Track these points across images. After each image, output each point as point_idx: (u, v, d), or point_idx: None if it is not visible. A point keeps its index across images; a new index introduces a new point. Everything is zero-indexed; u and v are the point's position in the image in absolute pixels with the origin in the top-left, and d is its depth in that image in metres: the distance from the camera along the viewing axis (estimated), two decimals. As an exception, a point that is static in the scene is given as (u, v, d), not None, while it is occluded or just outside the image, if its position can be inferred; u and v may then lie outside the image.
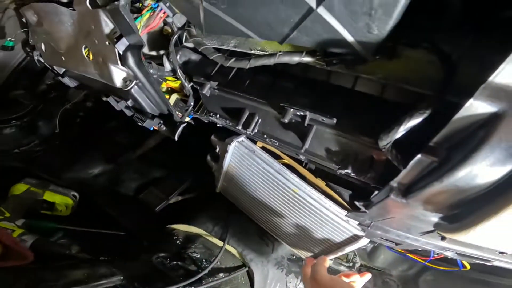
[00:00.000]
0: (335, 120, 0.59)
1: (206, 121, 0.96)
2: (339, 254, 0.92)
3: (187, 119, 1.03)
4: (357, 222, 0.68)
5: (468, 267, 1.01)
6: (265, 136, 0.73)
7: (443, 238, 0.56)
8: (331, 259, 1.34)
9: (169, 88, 0.93)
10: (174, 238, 1.14)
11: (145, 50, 0.81)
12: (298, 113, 0.63)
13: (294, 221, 0.91)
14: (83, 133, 1.63)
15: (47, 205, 1.34)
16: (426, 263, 1.13)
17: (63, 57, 0.81)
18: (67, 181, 1.46)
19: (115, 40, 0.64)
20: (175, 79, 0.88)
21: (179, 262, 1.03)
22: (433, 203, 0.46)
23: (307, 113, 0.61)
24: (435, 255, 1.06)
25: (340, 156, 0.63)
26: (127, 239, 1.31)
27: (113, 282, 0.80)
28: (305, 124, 0.63)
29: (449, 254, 0.95)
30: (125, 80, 0.71)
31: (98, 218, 1.39)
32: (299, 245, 1.02)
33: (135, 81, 0.71)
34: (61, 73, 1.01)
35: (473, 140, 0.39)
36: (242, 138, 0.89)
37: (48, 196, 1.33)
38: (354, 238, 0.80)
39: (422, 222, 0.54)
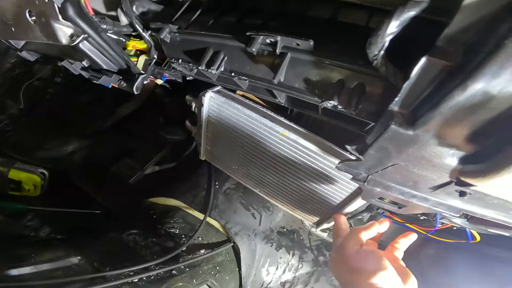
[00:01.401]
0: (312, 42, 0.46)
1: (178, 79, 0.86)
2: (346, 211, 0.77)
3: (160, 81, 0.96)
4: (351, 177, 0.55)
5: (479, 238, 0.90)
6: (233, 74, 0.62)
7: (462, 194, 0.44)
8: (324, 231, 1.25)
9: (138, 51, 0.84)
10: (150, 212, 1.03)
11: (102, 9, 0.75)
12: (268, 41, 0.50)
13: (290, 173, 0.78)
14: (54, 109, 1.53)
15: (14, 185, 1.24)
16: (429, 235, 1.02)
17: (13, 28, 0.76)
18: (40, 160, 1.35)
19: (51, -7, 0.57)
20: (140, 39, 0.79)
21: (154, 239, 0.92)
22: (451, 132, 0.33)
23: (278, 38, 0.49)
24: (440, 225, 0.95)
25: (322, 86, 0.50)
26: (103, 218, 1.21)
27: (67, 263, 0.69)
28: (278, 53, 0.51)
29: (459, 222, 0.83)
30: (71, 36, 0.67)
31: (74, 197, 1.30)
32: (300, 208, 0.88)
33: (82, 36, 0.66)
34: (19, 47, 0.95)
35: (499, 31, 0.26)
36: (218, 88, 0.78)
37: (13, 175, 1.22)
38: (358, 192, 0.68)
39: (434, 169, 0.41)
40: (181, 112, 1.04)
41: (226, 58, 0.61)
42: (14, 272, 0.67)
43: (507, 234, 0.78)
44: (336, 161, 0.63)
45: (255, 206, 1.09)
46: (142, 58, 0.83)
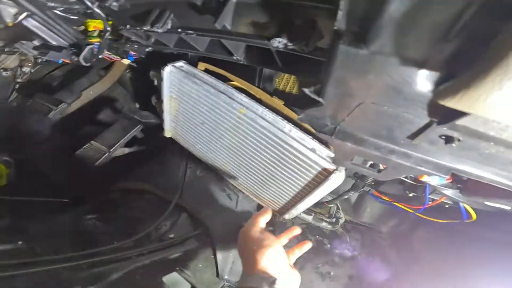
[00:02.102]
0: None
1: (141, 55, 0.88)
2: (312, 201, 0.73)
3: (127, 61, 0.95)
4: (315, 131, 0.47)
5: (475, 217, 0.81)
6: (180, 30, 0.59)
7: (448, 140, 0.36)
8: (309, 214, 1.17)
9: (101, 33, 0.80)
10: (117, 196, 0.95)
11: None
12: None
13: (250, 158, 0.74)
14: (22, 98, 1.47)
15: (-22, 174, 1.16)
16: (419, 214, 0.95)
17: None
18: (6, 149, 1.27)
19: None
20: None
21: (116, 224, 0.84)
22: (413, 39, 0.25)
23: None
24: (430, 202, 0.86)
25: (270, 28, 0.45)
26: (72, 206, 1.13)
27: (6, 246, 0.62)
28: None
29: (450, 194, 0.75)
30: (15, 14, 0.68)
31: (43, 186, 1.22)
32: (263, 195, 0.84)
33: (25, 14, 0.67)
34: None
35: None
36: (180, 63, 0.74)
37: (-23, 163, 1.13)
38: (324, 175, 0.61)
39: (407, 104, 0.33)
40: (152, 94, 0.97)
41: (172, 15, 0.58)
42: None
43: (508, 208, 0.69)
44: (294, 142, 0.59)
45: (231, 186, 1.01)
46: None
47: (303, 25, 0.41)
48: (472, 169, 0.43)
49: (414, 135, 0.40)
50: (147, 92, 1.34)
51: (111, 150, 1.00)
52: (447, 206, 0.90)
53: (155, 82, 0.86)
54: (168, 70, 0.74)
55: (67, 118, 1.20)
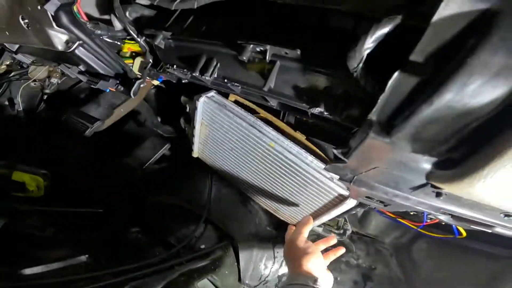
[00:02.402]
0: (299, 52, 0.50)
1: (173, 81, 0.90)
2: (327, 218, 0.86)
3: (156, 82, 0.99)
4: (338, 177, 0.59)
5: (464, 234, 0.94)
6: (226, 80, 0.65)
7: (438, 195, 0.47)
8: (320, 226, 1.28)
9: (133, 53, 0.87)
10: (151, 210, 1.06)
11: (95, 13, 0.76)
12: (258, 49, 0.54)
13: (275, 182, 0.84)
14: (51, 110, 1.54)
15: (18, 186, 1.27)
16: (419, 229, 1.06)
17: (6, 32, 0.78)
18: (40, 161, 1.37)
19: (44, 1, 0.59)
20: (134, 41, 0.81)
21: (155, 236, 0.96)
22: (423, 139, 0.37)
23: (268, 47, 0.52)
24: (428, 220, 0.99)
25: (310, 93, 0.54)
26: (105, 216, 1.25)
27: (76, 261, 0.73)
28: (267, 61, 0.55)
29: (444, 219, 0.87)
30: (67, 42, 0.69)
31: (77, 197, 1.33)
32: (283, 211, 0.96)
33: (77, 42, 0.69)
34: (14, 50, 0.98)
35: (465, 47, 0.29)
36: (211, 93, 0.82)
37: (17, 176, 1.24)
38: (340, 199, 0.73)
39: (412, 172, 0.45)
40: (177, 110, 1.06)
41: (218, 64, 0.64)
42: (28, 271, 0.71)
43: (489, 231, 0.82)
44: (316, 173, 0.69)
45: (252, 202, 1.13)
46: (138, 60, 0.86)
47: (340, 95, 0.49)
48: (456, 209, 0.55)
49: (414, 189, 0.52)
50: (170, 108, 1.43)
51: (143, 167, 1.11)
52: (443, 223, 1.02)
53: (187, 109, 0.92)
54: (201, 101, 0.81)
55: (98, 132, 1.30)
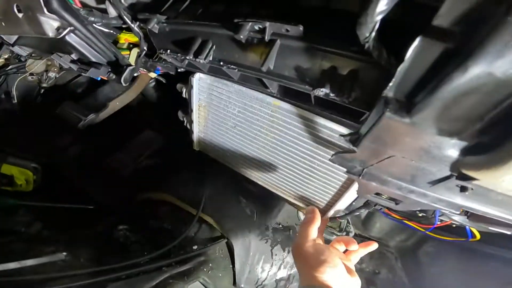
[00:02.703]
0: (301, 28, 0.44)
1: (171, 72, 0.85)
2: (350, 197, 0.74)
3: (154, 75, 0.95)
4: (345, 170, 0.52)
5: (478, 236, 0.87)
6: (221, 63, 0.60)
7: (463, 189, 0.41)
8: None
9: (130, 45, 0.83)
10: (142, 207, 1.00)
11: (91, 2, 0.72)
12: (256, 27, 0.48)
13: (288, 153, 0.75)
14: (47, 104, 1.52)
15: (7, 180, 1.22)
16: (428, 232, 1.00)
17: (2, 23, 0.75)
18: (33, 155, 1.33)
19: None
20: (131, 32, 0.76)
21: (145, 234, 0.90)
22: (452, 117, 0.30)
23: (267, 24, 0.47)
24: (439, 222, 0.92)
25: (313, 74, 0.48)
26: (96, 213, 1.19)
27: (53, 258, 0.67)
28: (267, 40, 0.49)
29: (458, 219, 0.81)
30: (58, 29, 0.67)
31: (67, 192, 1.28)
32: (304, 191, 0.83)
33: (68, 28, 0.66)
34: (11, 42, 0.94)
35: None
36: None
37: (5, 169, 1.20)
38: None
39: (434, 161, 0.38)
40: (176, 106, 1.02)
41: (214, 47, 0.59)
42: (-1, 268, 0.65)
43: (509, 233, 0.75)
44: (334, 126, 0.60)
45: (250, 200, 1.07)
46: (135, 51, 0.82)
47: (346, 75, 0.44)
48: (480, 207, 0.48)
49: (434, 183, 0.45)
50: (168, 102, 1.39)
51: (137, 162, 1.06)
52: (454, 225, 0.95)
53: (183, 94, 0.88)
54: (197, 77, 0.76)
55: (92, 126, 1.26)
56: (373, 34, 0.31)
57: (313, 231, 0.61)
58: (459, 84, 0.27)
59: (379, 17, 0.29)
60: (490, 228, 0.77)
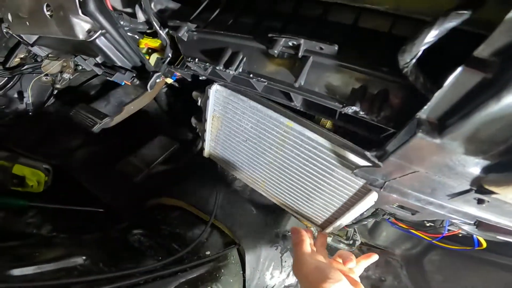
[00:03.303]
0: (336, 47, 0.46)
1: (188, 78, 0.86)
2: (352, 216, 0.75)
3: (170, 80, 0.96)
4: (365, 182, 0.54)
5: (485, 245, 0.89)
6: (251, 75, 0.60)
7: (480, 202, 0.44)
8: (329, 235, 1.24)
9: (149, 50, 0.84)
10: (155, 212, 1.02)
11: (118, 5, 0.72)
12: (290, 43, 0.50)
13: (295, 172, 0.76)
14: (61, 105, 1.53)
15: (18, 180, 1.22)
16: (434, 242, 1.02)
17: (27, 22, 0.75)
18: (44, 156, 1.34)
19: (71, -15, 0.55)
20: (152, 37, 0.80)
21: (158, 240, 0.91)
22: (480, 139, 0.33)
23: (302, 41, 0.48)
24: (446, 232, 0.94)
25: (344, 91, 0.50)
26: (106, 216, 1.20)
27: (71, 263, 0.68)
28: (300, 56, 0.51)
29: (467, 229, 0.83)
30: (89, 31, 0.66)
31: (77, 194, 1.29)
32: (304, 208, 0.85)
33: (100, 31, 0.65)
34: (31, 42, 0.94)
35: None
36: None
37: (17, 170, 1.20)
38: (367, 189, 0.64)
39: (456, 176, 0.41)
40: (187, 112, 1.03)
41: (245, 59, 0.60)
42: (17, 272, 0.65)
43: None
44: (345, 154, 0.61)
45: (261, 208, 1.08)
46: (154, 57, 0.83)
47: (376, 94, 0.46)
48: (494, 218, 0.51)
49: (453, 195, 0.48)
50: (180, 108, 1.41)
51: (150, 167, 1.07)
52: (460, 235, 0.97)
53: (199, 102, 0.88)
54: (214, 89, 0.77)
55: (106, 130, 1.27)
56: (414, 60, 0.34)
57: (306, 250, 0.61)
58: (491, 111, 0.30)
59: (424, 47, 0.32)
60: (498, 237, 0.80)
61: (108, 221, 1.12)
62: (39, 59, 1.36)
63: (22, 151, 1.29)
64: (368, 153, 0.47)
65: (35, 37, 0.94)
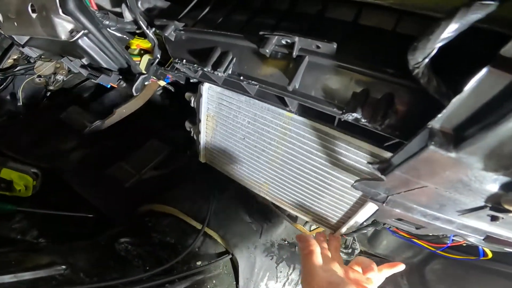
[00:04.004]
0: (335, 45, 0.41)
1: (181, 81, 0.83)
2: (366, 213, 0.69)
3: (163, 83, 0.93)
4: (367, 195, 0.50)
5: (490, 255, 0.84)
6: (241, 77, 0.56)
7: (494, 219, 0.39)
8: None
9: (142, 51, 0.81)
10: (145, 219, 0.97)
11: (106, 5, 0.71)
12: (283, 41, 0.45)
13: (300, 168, 0.70)
14: (53, 107, 1.50)
15: (5, 184, 1.18)
16: (438, 251, 0.97)
17: (15, 23, 0.74)
18: (35, 159, 1.30)
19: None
20: (144, 38, 0.77)
21: (147, 248, 0.86)
22: (504, 154, 0.28)
23: (296, 39, 0.44)
24: (450, 242, 0.89)
25: (344, 96, 0.45)
26: (96, 222, 1.16)
27: (51, 271, 0.63)
28: (294, 56, 0.46)
29: (474, 241, 0.78)
30: (71, 31, 0.64)
31: (67, 199, 1.24)
32: (314, 207, 0.79)
33: (82, 32, 0.64)
34: (22, 43, 0.92)
35: None
36: None
37: (5, 174, 1.16)
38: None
39: (469, 194, 0.36)
40: (182, 116, 0.99)
41: (234, 59, 0.56)
42: (-6, 281, 0.62)
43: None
44: (353, 140, 0.56)
45: (256, 216, 1.04)
46: (146, 58, 0.80)
47: (380, 100, 0.41)
48: (505, 233, 0.47)
49: (464, 212, 0.43)
50: (175, 111, 1.36)
51: (141, 172, 1.03)
52: (464, 244, 0.93)
53: (191, 103, 0.85)
54: (207, 86, 0.73)
55: (97, 132, 1.23)
56: (427, 60, 0.29)
57: (317, 262, 0.54)
58: None
59: (440, 44, 0.27)
60: (506, 249, 0.75)
61: (98, 227, 1.07)
62: (32, 61, 1.34)
63: (12, 154, 1.25)
64: (371, 166, 0.42)
65: (26, 38, 0.92)
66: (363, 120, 0.41)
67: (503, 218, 0.42)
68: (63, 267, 0.66)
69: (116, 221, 1.08)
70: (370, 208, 0.65)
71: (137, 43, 0.80)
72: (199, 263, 0.90)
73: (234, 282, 0.96)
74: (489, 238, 0.77)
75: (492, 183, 0.33)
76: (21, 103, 1.43)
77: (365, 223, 0.85)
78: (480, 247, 0.85)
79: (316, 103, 0.48)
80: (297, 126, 0.63)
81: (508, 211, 0.35)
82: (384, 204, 0.48)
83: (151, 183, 1.10)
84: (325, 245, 0.63)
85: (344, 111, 0.42)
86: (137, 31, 0.75)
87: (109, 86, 0.84)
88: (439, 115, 0.29)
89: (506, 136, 0.26)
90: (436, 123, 0.31)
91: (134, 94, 0.78)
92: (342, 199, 0.69)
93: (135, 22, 0.68)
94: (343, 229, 0.76)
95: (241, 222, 1.01)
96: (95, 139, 1.36)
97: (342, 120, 0.43)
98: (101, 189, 1.15)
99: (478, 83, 0.26)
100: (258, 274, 1.00)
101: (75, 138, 1.40)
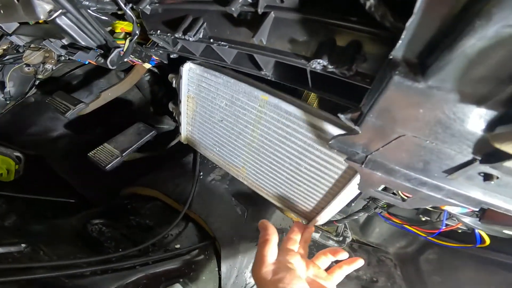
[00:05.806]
0: None
1: (164, 60, 0.85)
2: (340, 203, 0.66)
3: (148, 65, 0.95)
4: (345, 157, 0.45)
5: (488, 242, 0.79)
6: (211, 40, 0.56)
7: (488, 178, 0.34)
8: (317, 231, 1.14)
9: (127, 35, 0.82)
10: (125, 202, 0.93)
11: None
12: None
13: (273, 152, 0.69)
14: (43, 95, 1.48)
15: (-14, 168, 1.16)
16: (431, 238, 0.92)
17: (1, 11, 0.77)
18: (21, 145, 1.28)
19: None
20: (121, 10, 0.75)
21: (123, 231, 0.82)
22: (478, 78, 0.24)
23: None
24: (444, 227, 0.84)
25: (311, 47, 0.43)
26: (78, 207, 1.12)
27: (10, 249, 0.60)
28: (260, 12, 0.45)
29: (469, 222, 0.73)
30: (50, 11, 0.67)
31: (52, 185, 1.22)
32: (288, 194, 0.77)
33: (60, 11, 0.67)
34: (10, 32, 0.95)
35: None
36: (198, 60, 0.73)
37: (-13, 158, 1.13)
38: (354, 171, 0.56)
39: (453, 140, 0.32)
40: (170, 99, 0.96)
41: (205, 24, 0.56)
42: None
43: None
44: (324, 125, 0.54)
45: (241, 200, 0.99)
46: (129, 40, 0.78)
47: (346, 47, 0.39)
48: (503, 204, 0.42)
49: (451, 170, 0.38)
50: (163, 97, 1.34)
51: (123, 154, 0.99)
52: (459, 231, 0.88)
53: (173, 84, 0.85)
54: (187, 67, 0.74)
55: (83, 117, 1.20)
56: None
57: (270, 252, 0.51)
58: (483, 35, 0.21)
59: None
60: (505, 231, 0.70)
61: (76, 211, 1.04)
62: (21, 50, 1.34)
63: (-2, 140, 1.22)
64: (342, 116, 0.38)
65: (14, 27, 0.94)
66: (330, 67, 0.37)
67: (497, 177, 0.37)
68: (23, 245, 0.62)
69: (98, 205, 1.04)
70: (344, 199, 0.62)
71: (122, 27, 0.80)
72: (177, 246, 0.85)
73: (216, 269, 0.92)
74: (486, 216, 0.71)
75: (477, 121, 0.29)
76: (8, 91, 1.41)
77: (355, 208, 0.81)
78: (476, 230, 0.80)
79: (284, 57, 0.46)
80: (271, 109, 0.62)
81: (498, 157, 0.30)
82: (363, 166, 0.43)
83: (134, 166, 1.06)
84: (295, 236, 0.59)
85: (309, 60, 0.38)
86: (119, 12, 0.75)
87: (86, 63, 0.85)
88: (399, 43, 0.26)
89: (471, 54, 0.22)
90: (397, 52, 0.27)
91: (110, 67, 0.77)
92: (314, 188, 0.67)
93: (116, 2, 0.68)
94: (317, 221, 0.73)
95: (226, 205, 0.97)
96: (84, 126, 1.33)
97: (310, 70, 0.40)
98: (83, 172, 1.11)
99: (427, 2, 0.22)
100: (243, 261, 0.95)
101: (63, 125, 1.38)
